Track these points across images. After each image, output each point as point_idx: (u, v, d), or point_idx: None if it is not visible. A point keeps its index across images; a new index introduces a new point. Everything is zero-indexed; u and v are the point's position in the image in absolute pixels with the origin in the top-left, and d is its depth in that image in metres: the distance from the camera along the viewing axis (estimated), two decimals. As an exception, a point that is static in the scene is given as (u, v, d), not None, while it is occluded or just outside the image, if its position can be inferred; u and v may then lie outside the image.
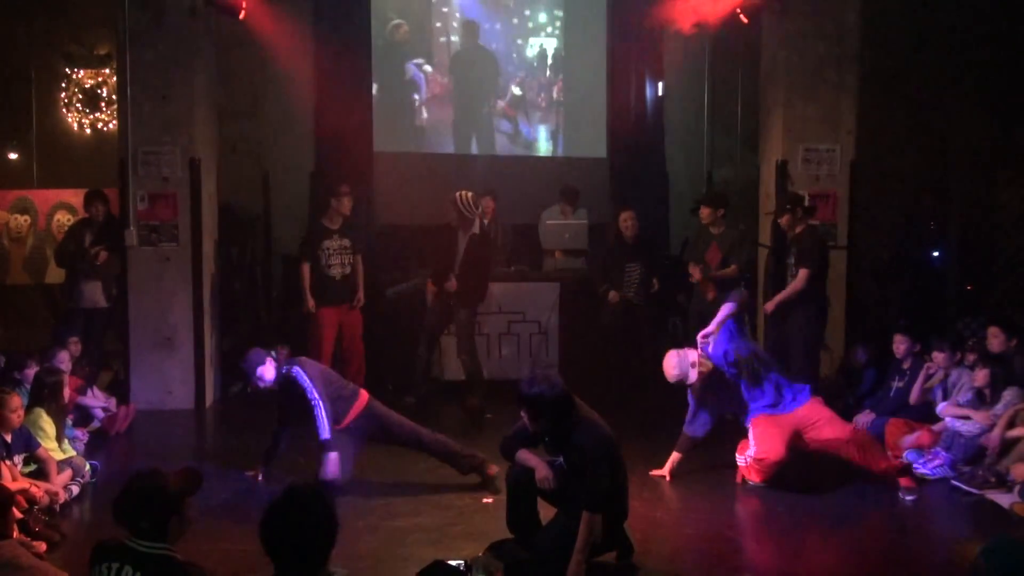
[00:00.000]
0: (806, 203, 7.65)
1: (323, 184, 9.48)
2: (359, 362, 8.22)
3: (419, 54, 10.75)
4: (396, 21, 10.66)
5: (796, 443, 6.05)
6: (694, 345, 6.19)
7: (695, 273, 7.99)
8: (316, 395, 5.77)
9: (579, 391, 7.70)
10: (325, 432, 5.75)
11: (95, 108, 10.17)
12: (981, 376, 6.50)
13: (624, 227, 8.47)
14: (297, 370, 5.87)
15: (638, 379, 8.42)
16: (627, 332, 8.55)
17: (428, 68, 10.77)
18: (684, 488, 6.12)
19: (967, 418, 6.45)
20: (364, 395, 6.16)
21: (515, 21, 10.93)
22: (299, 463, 6.32)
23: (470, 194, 7.91)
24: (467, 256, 7.90)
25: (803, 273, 7.33)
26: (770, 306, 7.47)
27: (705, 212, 8.05)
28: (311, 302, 7.96)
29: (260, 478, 6.09)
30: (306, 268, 8.01)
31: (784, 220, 7.51)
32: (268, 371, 5.95)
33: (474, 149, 10.87)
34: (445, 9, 10.84)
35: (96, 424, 7.29)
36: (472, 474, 6.04)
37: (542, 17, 11.00)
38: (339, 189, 8.10)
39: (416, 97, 10.78)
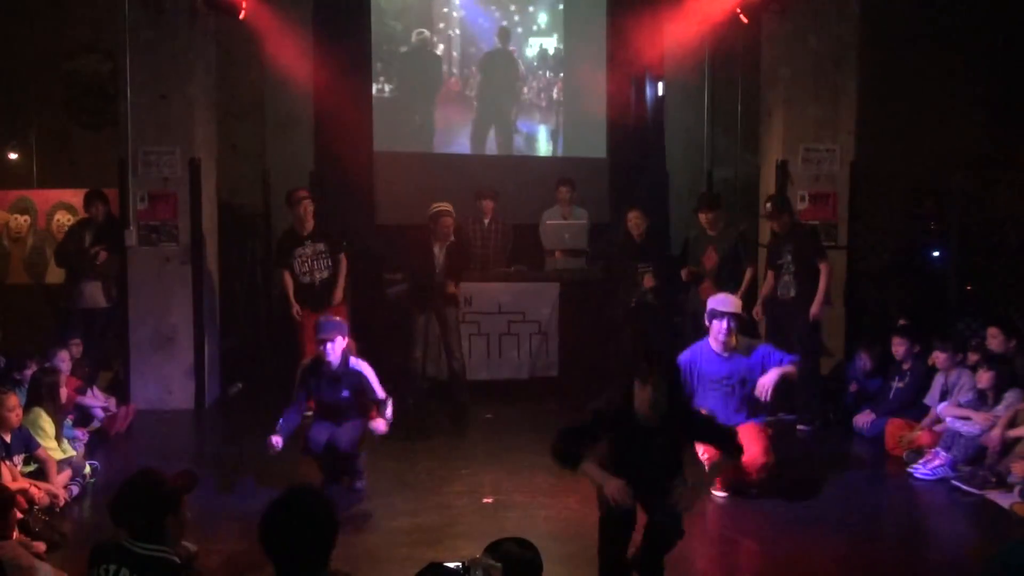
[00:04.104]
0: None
1: (320, 184, 9.48)
2: None
3: (426, 53, 10.75)
4: (420, 30, 10.70)
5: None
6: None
7: (684, 274, 8.11)
8: (383, 392, 6.06)
9: (579, 391, 7.70)
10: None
11: (95, 108, 10.15)
12: (985, 378, 6.50)
13: (632, 226, 8.44)
14: (361, 363, 6.06)
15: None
16: (637, 332, 8.57)
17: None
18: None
19: (967, 418, 6.46)
20: None
21: (515, 21, 10.92)
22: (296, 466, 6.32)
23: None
24: (450, 262, 7.93)
25: (825, 267, 7.47)
26: (816, 310, 7.46)
27: (705, 217, 8.03)
28: (296, 307, 7.93)
29: (279, 445, 5.88)
30: (286, 275, 7.97)
31: (781, 223, 7.58)
32: (339, 349, 5.99)
33: (490, 150, 10.88)
34: (445, 9, 10.83)
35: (96, 424, 7.29)
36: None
37: (542, 17, 11.00)
38: (293, 195, 8.02)
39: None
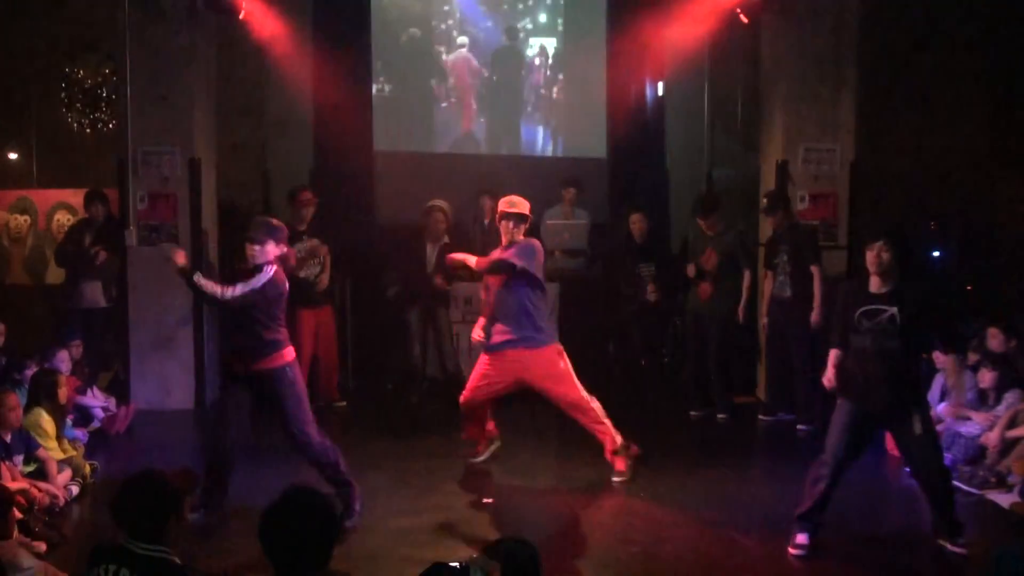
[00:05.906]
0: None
1: (320, 184, 9.47)
2: (334, 362, 8.24)
3: (424, 54, 10.75)
4: (412, 30, 10.70)
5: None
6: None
7: (689, 270, 8.02)
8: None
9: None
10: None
11: (95, 108, 10.15)
12: (988, 378, 6.50)
13: (634, 228, 8.56)
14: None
15: (644, 379, 8.54)
16: (645, 333, 8.73)
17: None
18: (684, 487, 6.12)
19: (967, 418, 6.45)
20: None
21: (515, 20, 10.91)
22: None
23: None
24: (440, 262, 7.93)
25: (817, 270, 7.45)
26: (816, 318, 7.36)
27: (704, 221, 8.00)
28: None
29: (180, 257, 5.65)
30: None
31: (775, 220, 7.62)
32: (270, 255, 5.39)
33: (494, 149, 10.89)
34: (447, 8, 10.83)
35: (96, 424, 7.29)
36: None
37: (542, 17, 10.99)
38: (301, 195, 8.04)
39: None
